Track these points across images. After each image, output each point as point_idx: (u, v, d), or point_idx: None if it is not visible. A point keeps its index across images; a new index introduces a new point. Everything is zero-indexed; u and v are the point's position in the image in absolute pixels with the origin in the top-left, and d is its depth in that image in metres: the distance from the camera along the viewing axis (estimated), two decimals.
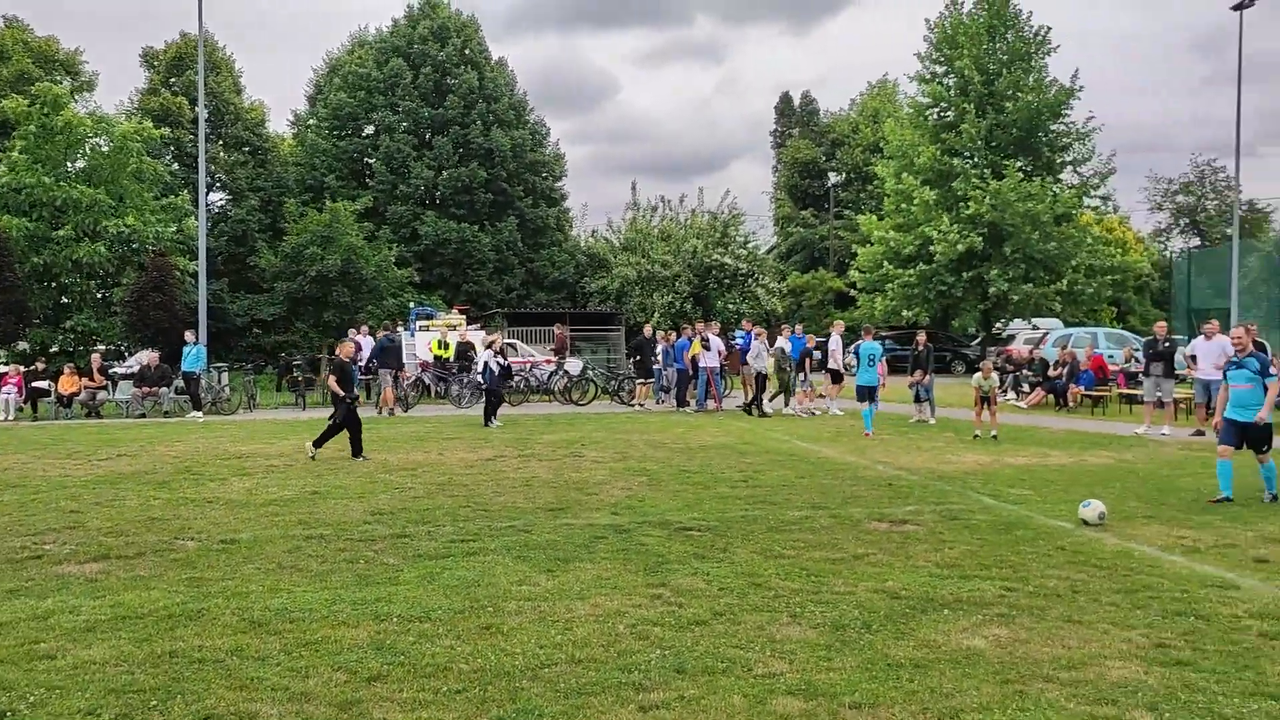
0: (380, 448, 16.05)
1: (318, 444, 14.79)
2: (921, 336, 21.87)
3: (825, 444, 16.75)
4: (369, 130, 45.37)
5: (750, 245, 48.74)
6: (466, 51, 45.49)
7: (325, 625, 6.35)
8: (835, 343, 23.41)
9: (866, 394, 19.16)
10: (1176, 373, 19.53)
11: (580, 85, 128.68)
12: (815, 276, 51.92)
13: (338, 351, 16.05)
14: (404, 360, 25.77)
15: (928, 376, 20.70)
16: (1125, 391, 23.87)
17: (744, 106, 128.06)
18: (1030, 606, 6.79)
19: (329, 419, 15.14)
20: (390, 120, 44.19)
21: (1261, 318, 30.72)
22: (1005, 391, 27.12)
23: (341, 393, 14.86)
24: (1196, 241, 61.74)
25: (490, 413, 20.12)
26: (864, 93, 62.03)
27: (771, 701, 5.07)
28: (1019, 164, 36.63)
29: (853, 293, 43.39)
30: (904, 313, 38.24)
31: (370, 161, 45.04)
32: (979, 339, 39.99)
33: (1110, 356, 28.17)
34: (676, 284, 43.47)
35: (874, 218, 40.91)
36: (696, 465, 14.04)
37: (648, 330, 26.25)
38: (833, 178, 59.06)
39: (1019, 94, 36.23)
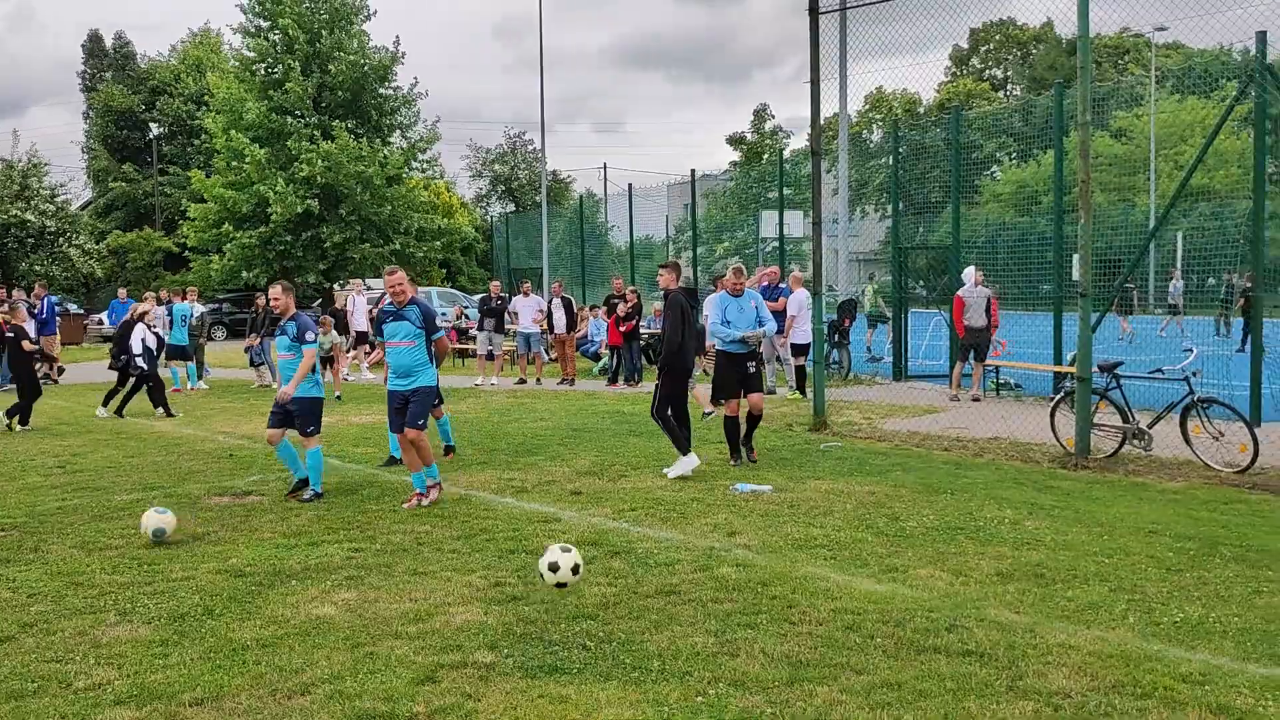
0: None
1: None
2: (260, 299, 21.17)
3: (159, 417, 15.45)
4: None
5: (59, 200, 43.33)
6: None
7: None
8: (357, 303, 21.71)
9: (177, 353, 19.45)
10: (505, 328, 21.21)
11: None
12: (141, 236, 47.70)
13: None
14: None
15: (264, 340, 20.16)
16: (459, 346, 25.40)
17: (43, 45, 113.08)
18: (378, 565, 6.83)
19: None
20: None
21: (566, 275, 34.72)
22: (348, 350, 27.40)
23: None
24: (513, 207, 67.71)
25: (161, 401, 15.80)
26: (185, 40, 57.99)
27: (97, 717, 4.46)
28: (349, 125, 36.92)
29: (186, 254, 40.63)
30: (244, 274, 36.73)
31: None
32: (318, 300, 39.85)
33: (443, 314, 29.79)
34: None
35: (204, 174, 38.60)
36: None
37: None
38: (155, 129, 54.58)
39: (343, 55, 36.41)
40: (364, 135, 36.23)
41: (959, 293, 15.05)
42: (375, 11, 38.58)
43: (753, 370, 10.40)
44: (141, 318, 16.17)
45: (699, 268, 33.56)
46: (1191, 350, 10.04)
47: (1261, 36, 11.68)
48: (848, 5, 13.33)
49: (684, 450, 9.84)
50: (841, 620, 5.54)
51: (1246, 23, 11.90)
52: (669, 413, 9.93)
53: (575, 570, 5.78)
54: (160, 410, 15.68)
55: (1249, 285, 20.65)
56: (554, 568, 5.73)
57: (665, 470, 9.84)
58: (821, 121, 13.04)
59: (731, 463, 10.26)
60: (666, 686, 4.71)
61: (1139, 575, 6.31)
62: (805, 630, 5.41)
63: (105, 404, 15.66)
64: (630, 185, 28.66)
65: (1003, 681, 4.68)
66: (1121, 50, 54.88)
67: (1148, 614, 5.59)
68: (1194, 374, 9.79)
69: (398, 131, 39.06)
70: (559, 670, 4.92)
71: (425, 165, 40.10)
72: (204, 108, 41.05)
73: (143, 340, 15.75)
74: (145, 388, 15.83)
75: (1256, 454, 9.28)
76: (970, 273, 15.10)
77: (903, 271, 18.11)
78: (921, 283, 27.41)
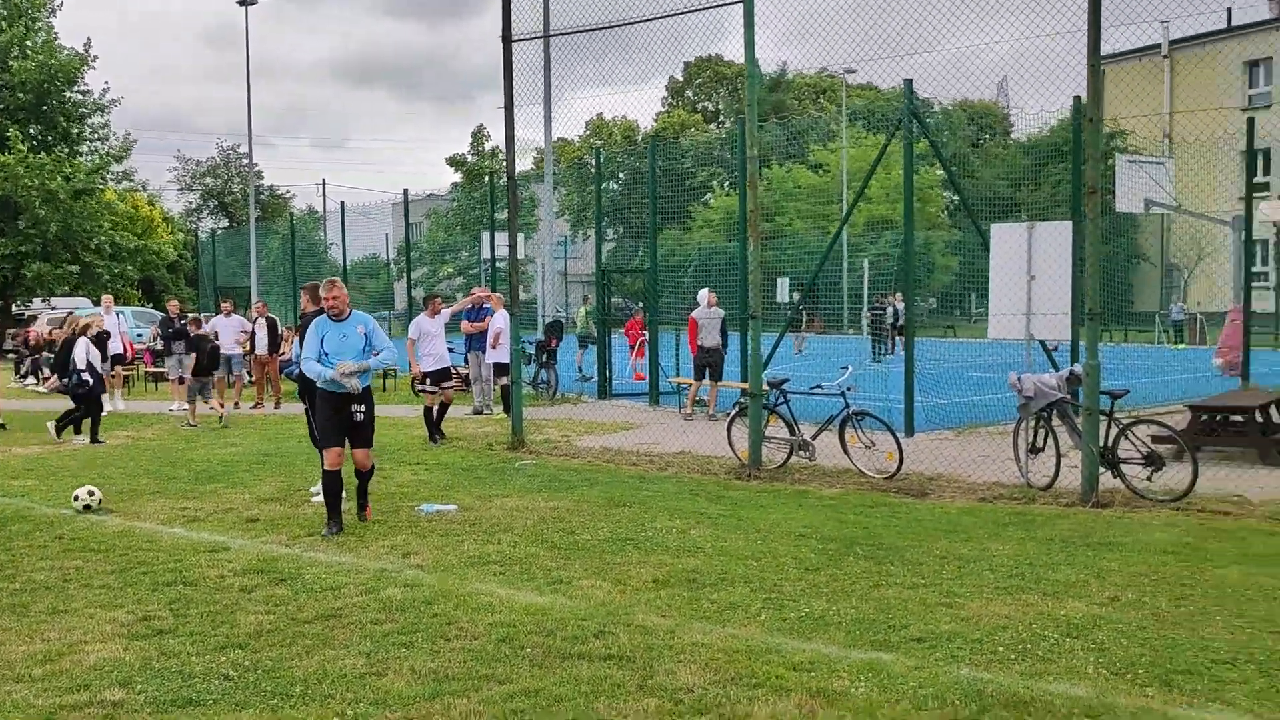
0: None
1: None
2: None
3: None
4: None
5: None
6: None
7: None
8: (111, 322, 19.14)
9: None
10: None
11: None
12: None
13: None
14: None
15: None
16: (152, 370, 23.96)
17: None
18: (13, 605, 6.35)
19: None
20: None
21: (280, 294, 33.42)
22: (24, 376, 25.18)
23: None
24: (226, 223, 64.39)
25: (95, 426, 14.10)
26: None
27: None
28: (32, 132, 33.89)
29: None
30: None
31: None
32: None
33: (139, 335, 27.96)
34: None
35: None
36: None
37: None
38: None
39: (31, 53, 33.49)
40: (48, 143, 33.33)
41: (693, 314, 15.73)
42: (61, 4, 35.57)
43: (361, 418, 8.42)
44: (84, 332, 14.47)
45: (419, 288, 33.15)
46: (847, 367, 10.97)
47: (909, 84, 12.97)
48: (541, 35, 13.69)
49: None
50: (497, 633, 5.68)
51: (915, 69, 13.22)
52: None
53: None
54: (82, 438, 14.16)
55: (879, 307, 22.86)
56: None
57: (312, 490, 9.61)
58: (543, 145, 13.31)
59: (327, 532, 8.18)
60: (306, 710, 4.68)
61: (780, 575, 6.84)
62: (459, 645, 5.51)
63: (58, 431, 14.15)
64: (343, 203, 27.94)
65: (634, 681, 4.96)
66: (820, 89, 59.08)
67: (778, 610, 6.07)
68: (849, 389, 10.71)
69: (87, 142, 36.19)
70: (193, 702, 4.77)
71: (119, 177, 37.35)
72: None
73: (86, 355, 14.13)
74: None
75: (902, 461, 10.25)
76: (704, 294, 15.85)
77: (606, 293, 18.69)
78: (640, 304, 28.43)
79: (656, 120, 59.45)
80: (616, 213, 50.85)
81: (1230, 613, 5.89)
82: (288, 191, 66.97)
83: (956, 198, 43.40)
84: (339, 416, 8.33)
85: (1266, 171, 30.97)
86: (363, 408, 8.40)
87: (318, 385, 8.47)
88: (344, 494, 8.41)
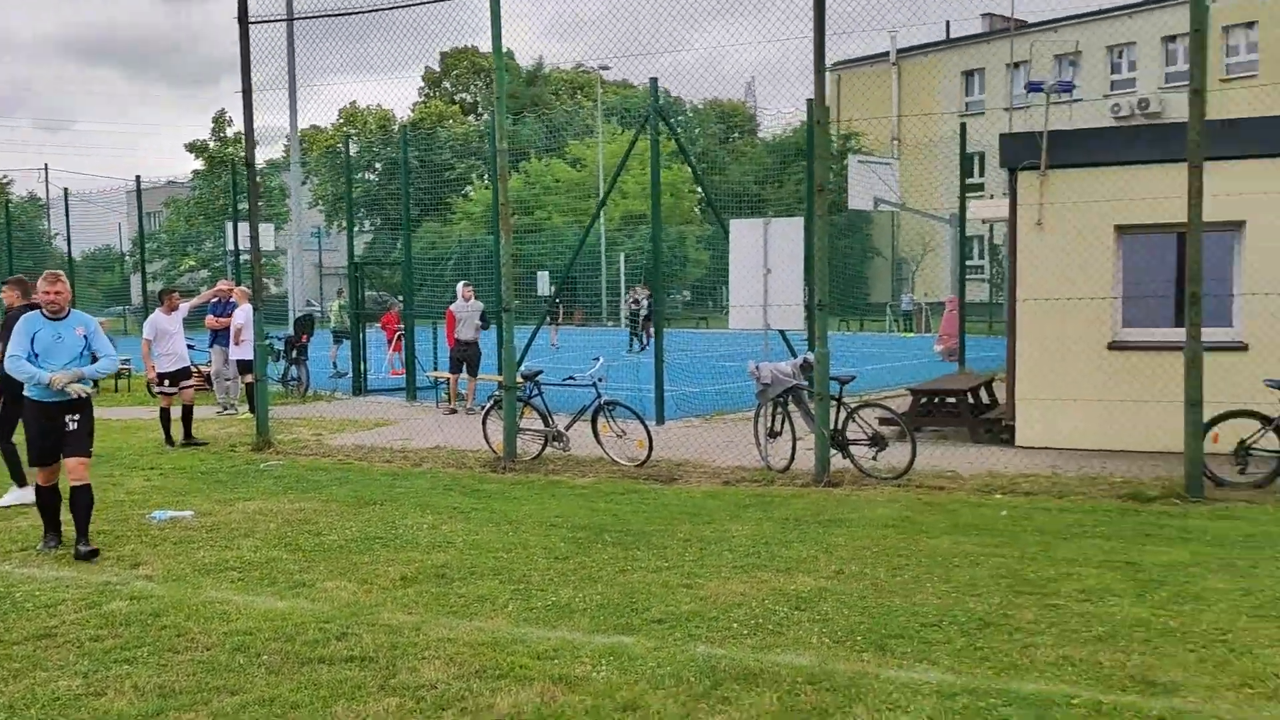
0: None
1: None
2: None
3: None
4: None
5: None
6: None
7: None
8: None
9: None
10: None
11: None
12: None
13: None
14: None
15: None
16: None
17: None
18: None
19: None
20: None
21: None
22: None
23: None
24: None
25: None
26: None
27: None
28: None
29: None
30: None
31: None
32: None
33: None
34: None
35: None
36: None
37: None
38: None
39: None
40: None
41: (451, 307, 15.61)
42: None
43: (74, 426, 7.45)
44: None
45: (157, 282, 31.10)
46: (599, 358, 11.18)
47: (654, 83, 13.32)
48: (284, 18, 13.17)
49: (20, 480, 9.20)
50: (231, 642, 5.45)
51: (669, 67, 13.59)
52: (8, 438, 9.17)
53: None
54: None
55: (635, 300, 23.59)
56: None
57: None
58: (294, 132, 12.76)
59: (44, 546, 7.59)
60: None
61: (529, 566, 6.90)
62: (189, 658, 5.25)
63: None
64: (66, 190, 25.84)
65: (376, 682, 4.89)
66: (578, 84, 59.67)
67: (526, 600, 6.13)
68: (601, 380, 10.91)
69: None
70: None
71: None
72: None
73: None
74: None
75: (651, 448, 10.55)
76: (461, 288, 15.76)
77: (360, 286, 18.21)
78: (400, 297, 27.88)
79: (413, 110, 58.33)
80: (374, 204, 49.55)
81: (939, 579, 6.43)
82: (4, 177, 61.29)
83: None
84: (51, 426, 7.39)
85: (981, 173, 33.79)
86: (77, 415, 7.46)
87: (25, 390, 7.52)
88: (60, 501, 7.78)
